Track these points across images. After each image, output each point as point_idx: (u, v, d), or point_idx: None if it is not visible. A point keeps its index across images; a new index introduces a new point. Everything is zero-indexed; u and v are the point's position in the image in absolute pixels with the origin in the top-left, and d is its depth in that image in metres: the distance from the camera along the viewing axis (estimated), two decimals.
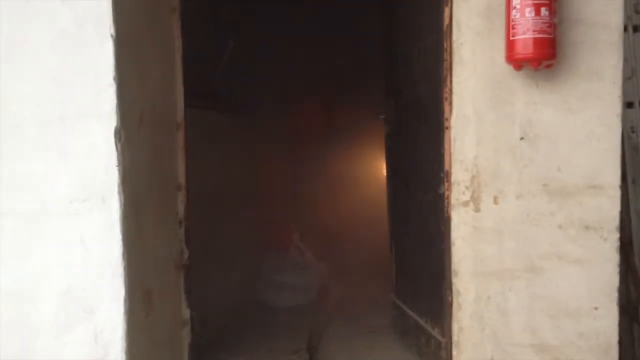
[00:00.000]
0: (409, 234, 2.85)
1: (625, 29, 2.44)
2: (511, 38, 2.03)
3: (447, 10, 2.24)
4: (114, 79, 2.07)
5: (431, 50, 2.42)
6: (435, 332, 2.44)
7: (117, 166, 2.06)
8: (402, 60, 2.91)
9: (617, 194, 2.07)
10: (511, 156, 2.14)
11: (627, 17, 2.42)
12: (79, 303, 2.11)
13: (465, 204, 2.17)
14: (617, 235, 2.07)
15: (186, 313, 2.47)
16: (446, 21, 2.24)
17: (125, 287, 2.07)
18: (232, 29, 3.52)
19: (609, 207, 2.08)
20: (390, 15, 3.16)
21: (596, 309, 2.09)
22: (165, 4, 2.45)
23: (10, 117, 2.09)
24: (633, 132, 2.40)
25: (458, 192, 2.18)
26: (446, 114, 2.24)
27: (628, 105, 2.41)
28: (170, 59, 2.46)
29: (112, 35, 2.07)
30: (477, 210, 2.16)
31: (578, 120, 2.10)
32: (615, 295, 2.07)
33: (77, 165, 2.08)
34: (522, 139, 2.13)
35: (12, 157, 2.09)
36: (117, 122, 2.06)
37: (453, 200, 2.19)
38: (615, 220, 2.08)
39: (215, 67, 3.01)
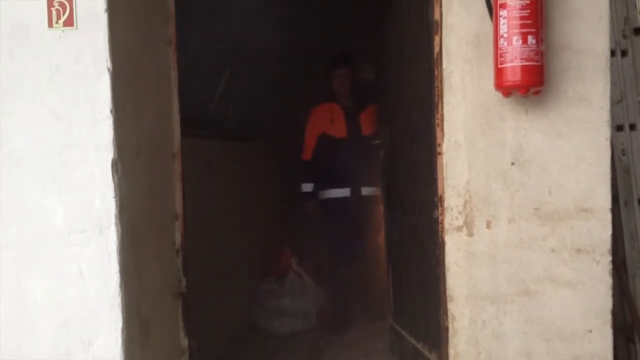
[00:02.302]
0: (406, 258, 2.86)
1: (614, 53, 2.49)
2: (499, 66, 2.07)
3: (437, 38, 2.29)
4: (111, 111, 2.11)
5: (423, 77, 2.47)
6: (433, 357, 2.44)
7: (114, 197, 2.08)
8: (397, 85, 2.95)
9: (607, 217, 2.10)
10: (502, 181, 2.17)
11: (616, 42, 2.47)
12: (77, 334, 2.12)
13: (459, 228, 2.20)
14: (609, 257, 2.10)
15: (184, 341, 2.48)
16: (436, 49, 2.28)
17: (123, 317, 2.08)
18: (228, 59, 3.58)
19: (600, 230, 2.11)
20: (382, 41, 3.22)
21: (590, 331, 2.10)
22: (161, 37, 2.49)
23: (10, 150, 2.12)
24: (624, 154, 2.43)
25: (451, 217, 2.21)
26: (438, 140, 2.28)
27: (618, 128, 2.45)
28: (166, 90, 2.50)
29: (108, 69, 2.11)
30: (470, 235, 2.19)
31: (567, 145, 2.13)
32: (608, 317, 2.09)
33: (74, 196, 2.11)
34: (513, 164, 2.17)
35: (11, 189, 2.11)
36: (114, 153, 2.09)
37: (446, 225, 2.22)
38: (607, 243, 2.10)
39: (212, 95, 3.05)
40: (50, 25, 2.15)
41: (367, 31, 3.54)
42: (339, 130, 3.92)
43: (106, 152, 2.09)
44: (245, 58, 3.80)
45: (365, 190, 3.97)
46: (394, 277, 3.09)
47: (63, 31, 2.15)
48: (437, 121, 2.28)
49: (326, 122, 3.94)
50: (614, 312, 2.33)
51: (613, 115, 2.46)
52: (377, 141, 3.44)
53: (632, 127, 2.43)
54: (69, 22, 2.16)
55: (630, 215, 2.40)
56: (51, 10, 2.16)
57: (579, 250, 2.12)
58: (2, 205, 2.12)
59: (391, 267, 3.17)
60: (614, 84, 2.47)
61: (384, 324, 3.33)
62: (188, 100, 2.66)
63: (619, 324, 2.44)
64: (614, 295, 2.22)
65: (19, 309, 2.15)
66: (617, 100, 2.45)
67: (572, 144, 2.13)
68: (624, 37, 2.47)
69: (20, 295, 2.15)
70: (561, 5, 2.14)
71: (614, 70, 2.47)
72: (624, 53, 2.47)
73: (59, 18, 2.16)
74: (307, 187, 4.00)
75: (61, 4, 2.16)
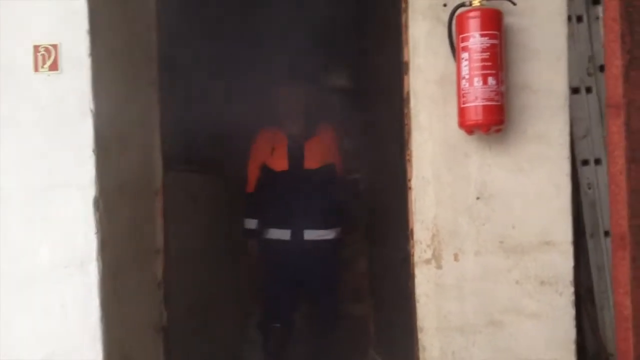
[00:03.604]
0: (385, 290, 2.94)
1: (579, 90, 2.59)
2: (462, 105, 2.17)
3: (406, 78, 2.39)
4: (93, 151, 2.21)
5: (396, 115, 2.57)
6: None
7: (96, 233, 2.17)
8: (377, 121, 3.06)
9: (569, 249, 2.18)
10: (468, 215, 2.25)
11: (580, 80, 2.57)
12: None
13: (428, 261, 2.27)
14: (572, 289, 2.17)
15: None
16: (406, 89, 2.39)
17: (104, 351, 2.16)
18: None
19: (562, 262, 2.18)
20: (367, 74, 3.35)
21: None
22: (144, 78, 2.60)
23: None
24: (590, 188, 2.51)
25: (420, 250, 2.29)
26: (409, 175, 2.37)
27: (584, 162, 2.54)
28: (149, 128, 2.60)
29: (91, 110, 2.22)
30: (438, 267, 2.26)
31: (529, 181, 2.22)
32: (572, 347, 2.15)
33: (58, 233, 2.19)
34: (478, 198, 2.25)
35: None
36: (96, 192, 2.19)
37: (416, 258, 2.29)
38: (569, 275, 2.17)
39: (197, 131, 3.15)
40: (36, 69, 2.27)
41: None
42: (278, 161, 3.39)
43: (89, 190, 2.19)
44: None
45: (309, 234, 3.36)
46: (375, 307, 3.16)
47: (48, 75, 2.26)
48: (407, 157, 2.37)
49: (266, 151, 3.42)
50: (587, 344, 2.41)
51: (579, 150, 2.56)
52: (355, 176, 3.44)
53: (598, 161, 2.52)
54: (54, 67, 2.28)
55: (596, 248, 2.47)
56: (37, 56, 2.28)
57: (542, 282, 2.19)
58: None
59: (373, 297, 3.25)
60: (580, 119, 2.57)
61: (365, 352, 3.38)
62: (175, 135, 2.77)
63: (592, 355, 2.50)
64: (584, 327, 2.29)
65: (5, 343, 2.22)
66: (583, 135, 2.54)
67: (533, 179, 2.22)
68: (589, 74, 2.57)
69: (7, 329, 2.22)
70: (521, 47, 2.24)
71: (580, 106, 2.57)
72: (588, 90, 2.56)
73: (44, 63, 2.28)
74: (250, 224, 3.47)
75: (47, 49, 2.28)
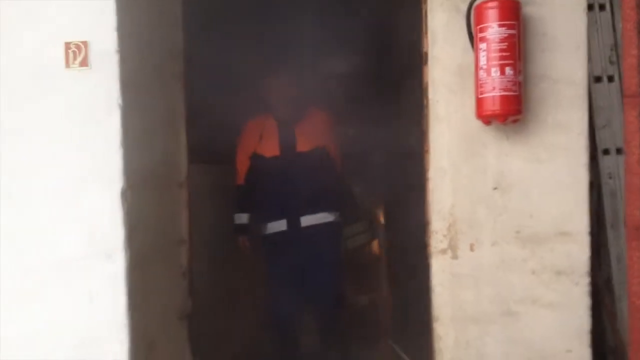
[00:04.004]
0: (404, 280, 2.97)
1: (601, 79, 2.56)
2: (479, 96, 2.18)
3: (425, 69, 2.41)
4: (121, 144, 2.29)
5: (417, 105, 2.59)
6: None
7: (123, 224, 2.26)
8: (405, 111, 3.08)
9: (585, 240, 2.18)
10: (485, 205, 2.26)
11: (603, 69, 2.53)
12: (88, 354, 2.28)
13: (444, 251, 2.30)
14: (588, 279, 2.17)
15: None
16: (424, 79, 2.40)
17: (130, 338, 2.25)
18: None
19: (579, 252, 2.19)
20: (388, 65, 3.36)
21: (569, 351, 2.17)
22: (169, 71, 2.68)
23: (30, 183, 2.32)
24: (610, 178, 2.48)
25: (436, 240, 2.31)
26: (426, 166, 2.39)
27: (605, 152, 2.51)
28: (174, 121, 2.68)
29: (119, 105, 2.30)
30: (454, 257, 2.29)
31: (547, 171, 2.22)
32: (587, 338, 2.16)
33: (87, 224, 2.28)
34: (495, 188, 2.26)
35: (28, 218, 2.32)
36: (123, 183, 2.27)
37: (432, 248, 2.32)
38: (586, 265, 2.17)
39: (218, 123, 3.21)
40: (67, 65, 2.36)
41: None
42: (269, 147, 3.27)
43: (116, 183, 2.26)
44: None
45: (306, 220, 3.25)
46: (394, 298, 3.20)
47: (79, 71, 2.35)
48: (425, 148, 2.40)
49: (255, 138, 3.30)
50: (605, 335, 2.40)
51: (600, 139, 2.53)
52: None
53: (619, 151, 2.48)
54: (84, 63, 2.36)
55: (617, 238, 2.45)
56: (68, 52, 2.36)
57: (558, 272, 2.19)
58: (21, 233, 2.32)
59: (393, 288, 3.28)
60: (601, 108, 2.54)
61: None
62: (199, 127, 2.85)
63: (612, 347, 2.48)
64: (601, 318, 2.28)
65: (36, 331, 2.32)
66: (604, 125, 2.51)
67: (551, 169, 2.22)
68: (611, 63, 2.54)
69: (37, 317, 2.33)
70: (540, 37, 2.24)
71: (601, 95, 2.54)
72: (610, 79, 2.53)
73: (75, 59, 2.37)
74: (241, 218, 3.32)
75: (77, 46, 2.36)
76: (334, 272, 3.34)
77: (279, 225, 3.26)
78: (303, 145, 3.23)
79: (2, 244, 2.34)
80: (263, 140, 3.25)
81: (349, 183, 3.57)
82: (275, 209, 3.24)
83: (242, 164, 3.32)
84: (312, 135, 3.24)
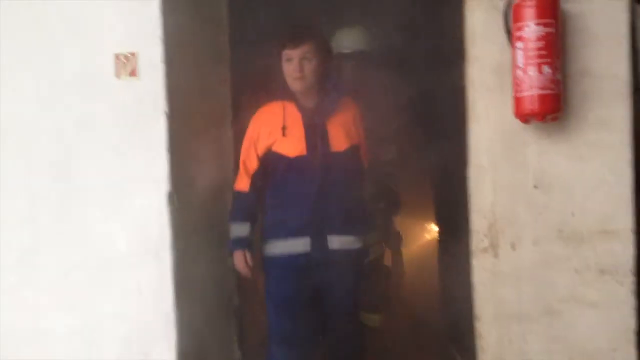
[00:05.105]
0: (452, 280, 2.97)
1: None
2: (517, 95, 2.16)
3: (463, 67, 2.40)
4: (167, 149, 2.39)
5: (457, 104, 2.59)
6: None
7: (170, 225, 2.36)
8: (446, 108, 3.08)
9: (630, 238, 2.13)
10: (526, 204, 2.25)
11: None
12: (138, 347, 2.39)
13: (484, 250, 2.29)
14: (632, 278, 2.12)
15: (237, 356, 2.71)
16: (463, 78, 2.40)
17: (177, 332, 2.35)
18: None
19: (623, 251, 2.14)
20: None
21: (614, 350, 2.13)
22: (216, 78, 2.77)
23: (80, 184, 2.44)
24: None
25: (477, 239, 2.30)
26: (466, 164, 2.39)
27: None
28: (221, 126, 2.77)
29: (165, 112, 2.40)
30: (495, 256, 2.28)
31: (589, 168, 2.19)
32: (632, 337, 2.11)
33: (134, 223, 2.38)
34: (536, 187, 2.24)
35: (80, 217, 2.44)
36: (170, 186, 2.37)
37: (473, 247, 2.31)
38: (630, 264, 2.13)
39: None
40: (117, 75, 2.47)
41: None
42: (292, 144, 2.52)
43: (163, 185, 2.36)
44: None
45: (336, 242, 2.54)
46: (444, 297, 3.20)
47: (128, 80, 2.46)
48: (465, 145, 2.39)
49: (273, 132, 2.54)
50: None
51: None
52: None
53: None
54: (133, 73, 2.47)
55: None
56: (118, 63, 2.48)
57: (602, 271, 2.16)
58: (73, 231, 2.45)
59: (443, 289, 3.28)
60: None
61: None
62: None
63: None
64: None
65: (88, 324, 2.44)
66: None
67: (593, 167, 2.18)
68: None
69: (90, 311, 2.45)
70: (581, 33, 2.20)
71: None
72: None
73: (124, 69, 2.48)
74: (240, 230, 2.56)
75: (126, 57, 2.47)
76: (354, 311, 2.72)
77: (299, 245, 2.52)
78: (338, 143, 2.55)
79: (56, 243, 2.48)
80: (286, 134, 2.52)
81: (390, 175, 3.36)
82: (295, 223, 2.53)
83: (251, 163, 2.58)
84: (345, 131, 2.57)
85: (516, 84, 2.16)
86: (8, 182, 2.51)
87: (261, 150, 2.56)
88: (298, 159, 2.51)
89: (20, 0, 2.54)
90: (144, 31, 2.41)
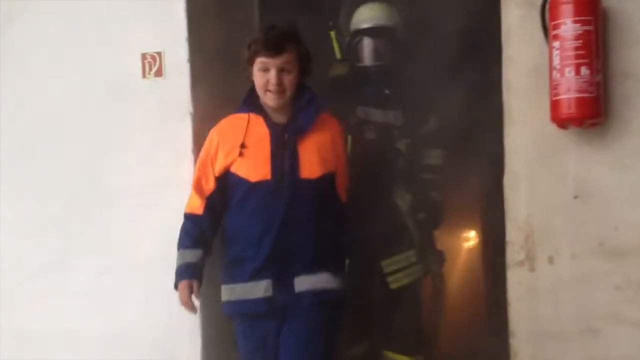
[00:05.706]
0: (495, 293, 2.87)
1: None
2: (553, 98, 2.03)
3: (498, 70, 2.29)
4: (192, 151, 2.36)
5: (490, 108, 2.47)
6: None
7: None
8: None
9: None
10: (564, 215, 2.11)
11: None
12: (164, 352, 2.38)
13: (520, 263, 2.16)
14: None
15: None
16: (499, 80, 2.28)
17: (202, 337, 2.33)
18: None
19: None
20: None
21: None
22: (244, 78, 2.70)
23: (105, 189, 2.44)
24: None
25: (512, 251, 2.18)
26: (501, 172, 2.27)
27: None
28: None
29: (190, 113, 2.38)
30: (532, 270, 2.15)
31: (632, 178, 2.03)
32: None
33: (160, 227, 2.37)
34: (575, 197, 2.10)
35: (106, 222, 2.44)
36: None
37: (508, 260, 2.19)
38: None
39: None
40: (144, 76, 2.46)
41: None
42: (255, 166, 2.16)
43: (188, 188, 2.31)
44: None
45: (304, 283, 2.16)
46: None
47: (154, 81, 2.45)
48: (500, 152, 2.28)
49: (234, 149, 2.18)
50: None
51: None
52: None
53: None
54: (159, 73, 2.46)
55: None
56: (145, 63, 2.47)
57: None
58: (100, 237, 2.45)
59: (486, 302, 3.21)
60: None
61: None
62: None
63: None
64: None
65: (116, 328, 2.45)
66: None
67: (637, 176, 2.02)
68: None
69: (118, 315, 2.45)
70: (623, 33, 2.05)
71: None
72: None
73: (150, 69, 2.47)
74: (189, 257, 2.20)
75: (152, 57, 2.46)
76: None
77: (257, 290, 2.15)
78: (310, 168, 2.18)
79: (85, 247, 2.48)
80: (246, 154, 2.16)
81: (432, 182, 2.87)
82: (254, 262, 2.15)
83: (204, 184, 2.23)
84: (321, 155, 2.20)
85: (552, 87, 2.03)
86: (41, 186, 2.54)
87: (219, 169, 2.20)
88: (260, 184, 2.15)
89: (52, 3, 2.56)
90: (170, 31, 2.41)
